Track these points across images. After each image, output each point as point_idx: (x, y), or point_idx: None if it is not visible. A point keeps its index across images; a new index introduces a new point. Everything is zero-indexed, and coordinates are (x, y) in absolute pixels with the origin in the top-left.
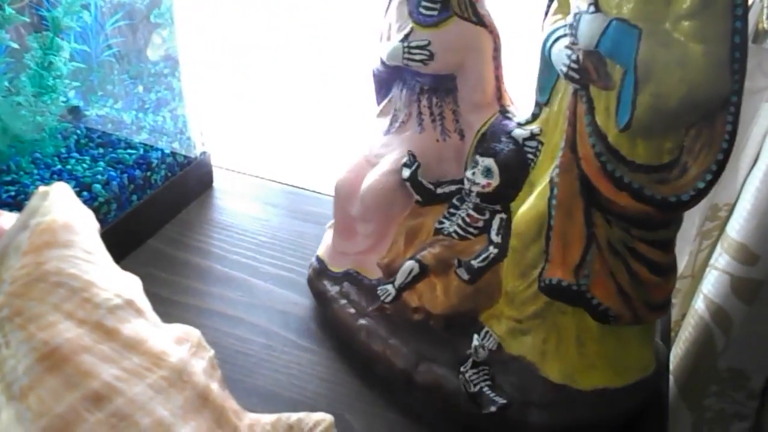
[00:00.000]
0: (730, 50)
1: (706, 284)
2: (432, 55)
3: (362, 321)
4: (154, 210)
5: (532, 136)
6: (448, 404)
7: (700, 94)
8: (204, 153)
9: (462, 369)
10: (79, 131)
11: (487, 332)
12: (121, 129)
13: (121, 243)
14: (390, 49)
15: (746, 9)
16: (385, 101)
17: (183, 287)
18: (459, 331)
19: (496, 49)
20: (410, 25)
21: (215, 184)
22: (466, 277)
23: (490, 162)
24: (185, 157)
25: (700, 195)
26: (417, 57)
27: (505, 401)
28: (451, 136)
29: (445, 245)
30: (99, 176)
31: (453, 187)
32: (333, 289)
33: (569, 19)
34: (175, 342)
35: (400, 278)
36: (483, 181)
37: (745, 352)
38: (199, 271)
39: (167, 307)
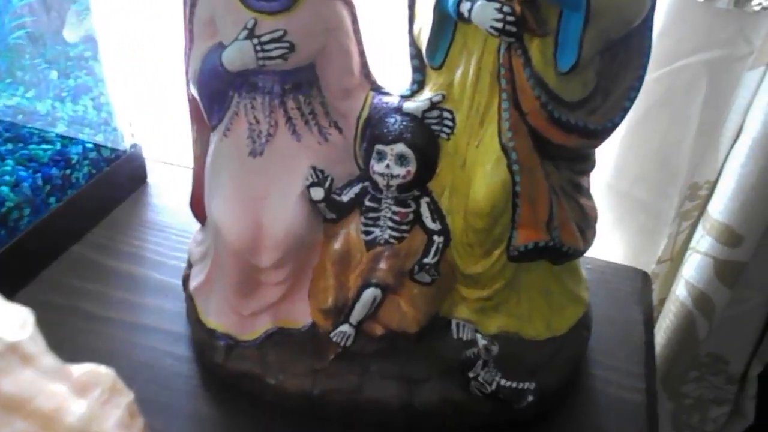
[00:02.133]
0: None
1: (688, 269)
2: (293, 46)
3: (321, 384)
4: (78, 212)
5: (433, 106)
6: (464, 414)
7: (638, 16)
8: (134, 145)
9: (471, 375)
10: None
11: (459, 325)
12: (34, 121)
13: (38, 252)
14: (233, 51)
15: None
16: (227, 118)
17: (112, 300)
18: (429, 337)
19: (355, 21)
20: (250, 16)
21: (149, 179)
22: (428, 279)
23: (400, 148)
24: (112, 150)
25: (626, 113)
26: (275, 53)
27: (533, 384)
28: (331, 134)
29: (390, 255)
30: (6, 177)
31: (356, 189)
32: (256, 365)
33: None
34: (77, 391)
35: (360, 312)
36: (401, 170)
37: (726, 336)
38: (131, 281)
39: (93, 324)
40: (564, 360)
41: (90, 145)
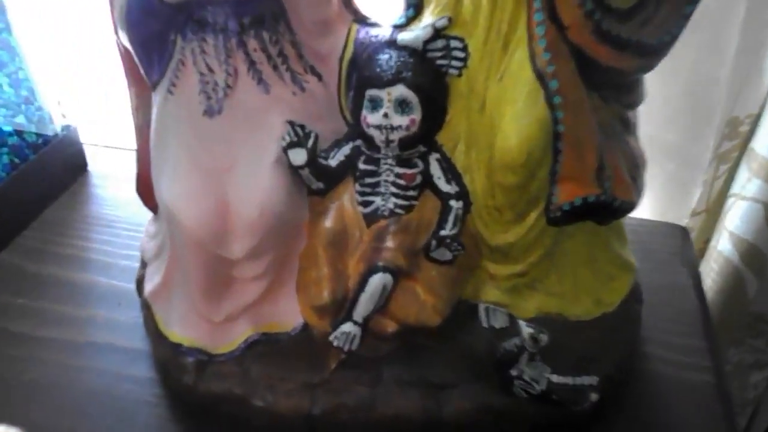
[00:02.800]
0: None
1: (732, 219)
2: None
3: (321, 401)
4: (1, 212)
5: (437, 34)
6: (505, 422)
7: None
8: (67, 128)
9: (514, 373)
10: None
11: (488, 310)
12: None
13: None
14: None
15: None
16: (171, 70)
17: (51, 316)
18: (453, 329)
19: None
20: None
21: (90, 167)
22: (448, 256)
23: (400, 91)
24: (39, 135)
25: (686, 22)
26: None
27: (594, 378)
28: (307, 82)
29: (397, 230)
30: None
31: (346, 149)
32: (237, 384)
33: None
34: None
35: (366, 305)
36: (404, 120)
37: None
38: (74, 291)
39: (28, 349)
40: (620, 342)
41: (8, 129)
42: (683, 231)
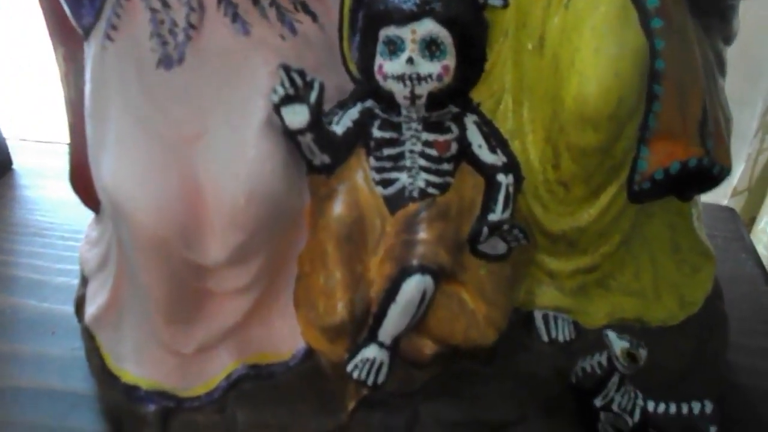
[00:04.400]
0: None
1: None
2: None
3: None
4: None
5: None
6: None
7: None
8: None
9: (599, 403)
10: None
11: (548, 318)
12: None
13: None
14: None
15: None
16: (109, 9)
17: None
18: (504, 349)
19: None
20: None
21: (15, 165)
22: (503, 248)
23: (427, 27)
24: None
25: None
26: None
27: (710, 404)
28: (300, 22)
29: (434, 216)
30: None
31: (354, 113)
32: None
33: None
34: None
35: (398, 321)
36: (435, 67)
37: None
38: None
39: None
40: (712, 353)
41: None
42: (733, 213)
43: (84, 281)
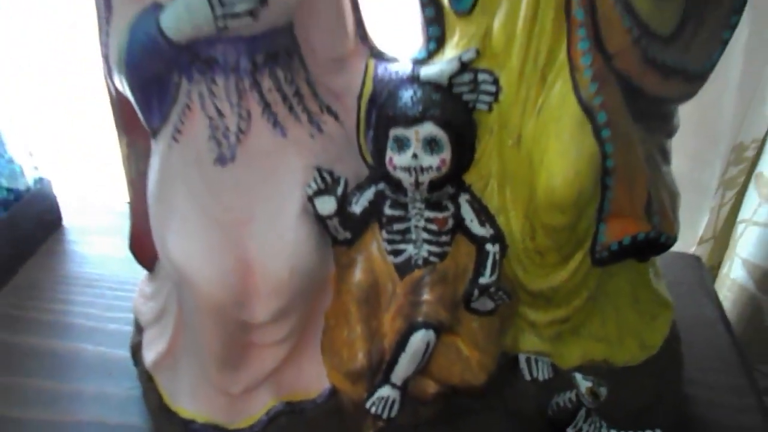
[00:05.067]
0: None
1: (744, 246)
2: None
3: None
4: None
5: (464, 67)
6: None
7: None
8: (40, 180)
9: None
10: None
11: (531, 361)
12: None
13: None
14: (176, 11)
15: None
16: (175, 115)
17: (32, 394)
18: (494, 387)
19: None
20: None
21: (65, 222)
22: (490, 305)
23: (429, 129)
24: (10, 190)
25: (725, 48)
26: (240, 6)
27: None
28: (325, 122)
29: (435, 280)
30: None
31: (369, 194)
32: None
33: None
34: None
35: (407, 366)
36: (434, 160)
37: None
38: (56, 361)
39: None
40: (670, 388)
41: None
42: (698, 260)
43: (139, 329)
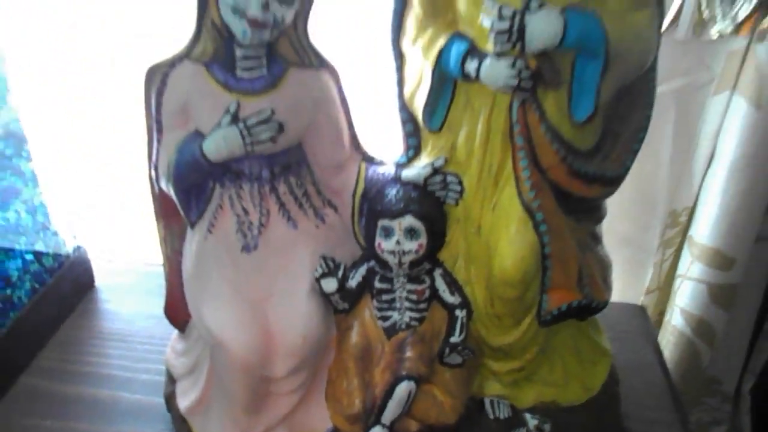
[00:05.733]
0: (658, 11)
1: (682, 297)
2: (282, 126)
3: None
4: (23, 336)
5: (436, 171)
6: None
7: (648, 59)
8: (78, 248)
9: None
10: None
11: (493, 403)
12: None
13: None
14: (217, 140)
15: None
16: (210, 213)
17: None
18: (464, 424)
19: (341, 90)
20: (231, 99)
21: (97, 283)
22: (459, 360)
23: (409, 221)
24: (54, 258)
25: (636, 155)
26: (264, 135)
27: None
28: (327, 214)
29: (415, 341)
30: None
31: (363, 271)
32: None
33: (497, 24)
34: None
35: (394, 410)
36: (413, 245)
37: (720, 357)
38: (98, 407)
39: None
40: (608, 423)
41: (30, 257)
42: (642, 310)
43: (172, 380)
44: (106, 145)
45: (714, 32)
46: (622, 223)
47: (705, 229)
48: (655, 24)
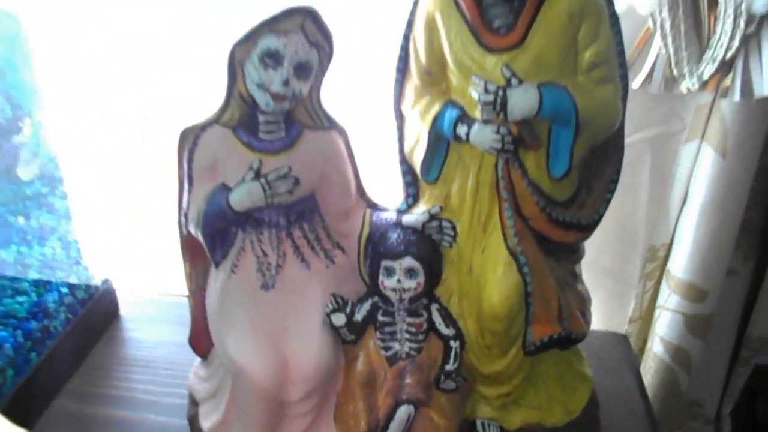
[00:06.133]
0: (622, 84)
1: (661, 327)
2: (297, 180)
3: None
4: (57, 363)
5: (432, 217)
6: None
7: (615, 124)
8: (106, 281)
9: None
10: None
11: (484, 424)
12: (3, 270)
13: (22, 413)
14: (241, 193)
15: (623, 52)
16: (233, 254)
17: None
18: None
19: (348, 146)
20: (254, 158)
21: (122, 311)
22: (453, 386)
23: (408, 262)
24: (85, 290)
25: (608, 204)
26: (282, 189)
27: None
28: (336, 255)
29: (414, 369)
30: None
31: (367, 305)
32: None
33: (483, 96)
34: None
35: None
36: (412, 283)
37: (701, 381)
38: (125, 428)
39: None
40: None
41: (65, 289)
42: (625, 339)
43: (194, 403)
44: (133, 189)
45: (683, 88)
46: (606, 256)
47: (680, 263)
48: (619, 95)
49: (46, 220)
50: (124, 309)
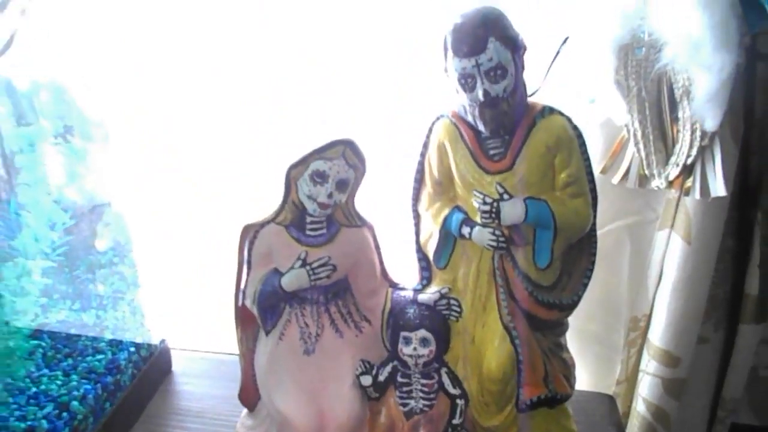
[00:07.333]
0: (592, 196)
1: (643, 389)
2: (335, 267)
3: None
4: (123, 412)
5: (442, 296)
6: None
7: (586, 228)
8: (163, 341)
9: None
10: (44, 343)
11: None
12: (85, 331)
13: None
14: (291, 277)
15: (591, 172)
16: (281, 325)
17: None
18: None
19: (375, 238)
20: (302, 249)
21: (174, 367)
22: None
23: (423, 333)
24: (147, 348)
25: (586, 288)
26: (323, 274)
27: None
28: (363, 327)
29: (427, 422)
30: (75, 392)
31: (389, 368)
32: None
33: (481, 206)
34: None
35: None
36: (425, 350)
37: None
38: None
39: None
40: None
41: (132, 348)
42: (611, 399)
43: None
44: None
45: (654, 185)
46: (593, 325)
47: (657, 333)
48: (589, 204)
49: (118, 286)
50: (176, 365)
